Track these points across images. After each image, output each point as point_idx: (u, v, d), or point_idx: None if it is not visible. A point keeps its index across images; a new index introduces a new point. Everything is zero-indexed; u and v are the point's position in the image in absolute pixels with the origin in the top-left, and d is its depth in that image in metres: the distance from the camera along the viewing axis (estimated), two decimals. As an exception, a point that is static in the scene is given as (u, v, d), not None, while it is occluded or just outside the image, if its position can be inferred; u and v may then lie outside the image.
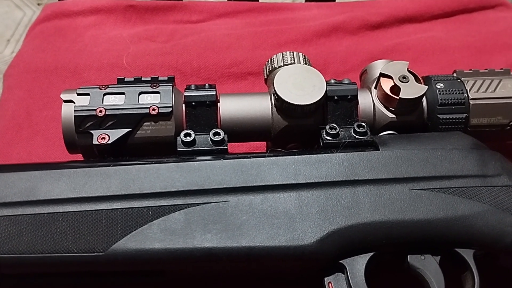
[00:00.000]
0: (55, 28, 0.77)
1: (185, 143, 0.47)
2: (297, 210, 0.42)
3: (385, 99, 0.50)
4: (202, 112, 0.48)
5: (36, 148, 0.62)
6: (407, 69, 0.50)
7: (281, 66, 0.52)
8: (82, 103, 0.47)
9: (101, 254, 0.40)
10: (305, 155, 0.45)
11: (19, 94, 0.68)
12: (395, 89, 0.49)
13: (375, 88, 0.51)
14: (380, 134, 0.50)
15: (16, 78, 0.70)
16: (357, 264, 0.42)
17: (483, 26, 0.79)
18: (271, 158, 0.45)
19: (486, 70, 0.53)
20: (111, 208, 0.42)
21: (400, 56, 0.71)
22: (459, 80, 0.52)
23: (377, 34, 0.78)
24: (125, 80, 0.50)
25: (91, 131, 0.47)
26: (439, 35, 0.77)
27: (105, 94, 0.48)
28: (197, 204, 0.42)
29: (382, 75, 0.50)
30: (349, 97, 0.49)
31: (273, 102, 0.49)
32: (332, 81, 0.51)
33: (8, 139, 0.63)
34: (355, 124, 0.48)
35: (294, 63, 0.52)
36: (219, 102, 0.50)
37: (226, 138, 0.47)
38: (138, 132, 0.47)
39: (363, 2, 0.84)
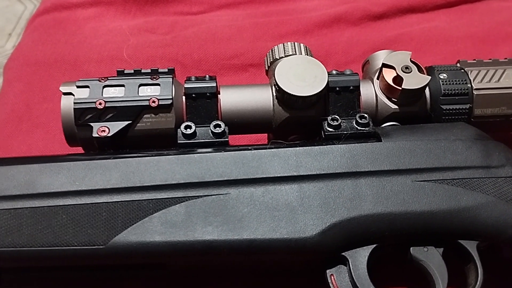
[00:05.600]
0: (54, 21, 0.76)
1: (185, 135, 0.46)
2: (299, 202, 0.42)
3: (388, 90, 0.50)
4: (203, 104, 0.48)
5: (36, 141, 0.62)
6: (410, 59, 0.49)
7: (282, 57, 0.51)
8: (82, 95, 0.47)
9: (101, 247, 0.40)
10: (307, 147, 0.44)
11: (19, 87, 0.68)
12: (398, 79, 0.49)
13: (378, 78, 0.51)
14: (383, 125, 0.50)
15: (15, 71, 0.70)
16: (360, 256, 0.42)
17: (487, 16, 0.78)
18: (272, 150, 0.44)
19: (490, 60, 0.53)
20: (111, 201, 0.42)
21: (403, 47, 0.70)
22: (462, 70, 0.51)
23: (380, 25, 0.77)
24: (125, 72, 0.49)
25: (91, 124, 0.46)
26: (442, 25, 0.76)
27: (104, 86, 0.47)
28: (198, 196, 0.42)
29: (384, 65, 0.50)
30: (351, 88, 0.49)
31: (274, 94, 0.49)
32: (334, 72, 0.50)
33: (8, 132, 0.63)
34: (357, 115, 0.48)
35: (296, 54, 0.51)
36: (219, 94, 0.49)
37: (226, 130, 0.47)
38: (138, 124, 0.47)
39: (365, -8, 0.83)
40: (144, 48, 0.71)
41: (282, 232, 0.41)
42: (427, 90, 0.50)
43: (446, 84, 0.50)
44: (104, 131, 0.46)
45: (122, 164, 0.43)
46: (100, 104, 0.46)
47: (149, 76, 0.48)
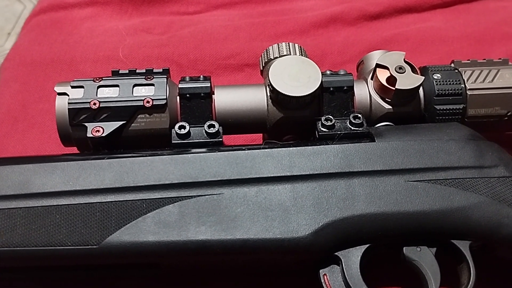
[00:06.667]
0: (51, 21, 0.76)
1: (179, 136, 0.46)
2: (292, 202, 0.42)
3: (382, 90, 0.50)
4: (197, 104, 0.48)
5: (32, 141, 0.62)
6: (404, 59, 0.50)
7: (276, 57, 0.51)
8: (76, 95, 0.47)
9: (95, 247, 0.40)
10: (300, 147, 0.45)
11: (15, 87, 0.68)
12: (392, 79, 0.49)
13: (372, 79, 0.51)
14: (376, 126, 0.50)
15: (12, 71, 0.70)
16: (353, 256, 0.42)
17: (483, 16, 0.78)
18: (266, 150, 0.44)
19: (484, 60, 0.53)
20: (105, 201, 0.42)
21: (398, 47, 0.71)
22: (456, 71, 0.51)
23: (376, 25, 0.77)
24: (120, 72, 0.49)
25: (85, 124, 0.46)
26: (438, 25, 0.76)
27: (99, 86, 0.47)
28: (191, 196, 0.42)
29: (378, 65, 0.50)
30: (345, 88, 0.49)
31: (269, 94, 0.49)
32: (328, 72, 0.50)
33: (3, 132, 0.63)
34: (351, 116, 0.48)
35: (290, 54, 0.51)
36: (214, 94, 0.49)
37: (221, 130, 0.47)
38: (133, 124, 0.47)
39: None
40: (140, 48, 0.71)
41: (275, 232, 0.41)
42: (421, 90, 0.50)
43: (440, 84, 0.50)
44: (98, 131, 0.46)
45: (116, 164, 0.43)
46: (94, 104, 0.46)
47: (144, 77, 0.48)
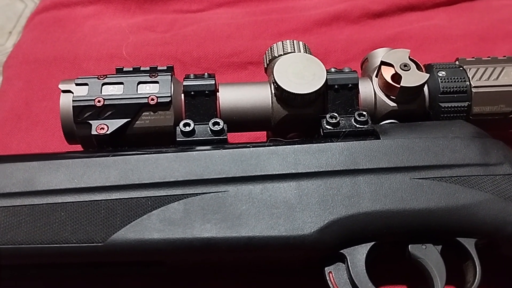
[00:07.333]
0: (54, 19, 0.76)
1: (184, 133, 0.46)
2: (297, 199, 0.42)
3: (386, 88, 0.50)
4: (201, 102, 0.48)
5: (36, 139, 0.62)
6: (409, 57, 0.49)
7: (281, 55, 0.51)
8: (81, 93, 0.47)
9: (100, 244, 0.40)
10: (305, 145, 0.44)
11: (18, 85, 0.68)
12: (396, 77, 0.49)
13: (376, 76, 0.51)
14: (381, 123, 0.50)
15: (15, 69, 0.70)
16: (358, 254, 0.42)
17: (486, 14, 0.78)
18: (271, 147, 0.44)
19: (489, 58, 0.53)
20: (110, 198, 0.42)
21: (402, 45, 0.70)
22: (461, 68, 0.51)
23: (379, 23, 0.77)
24: (124, 70, 0.49)
25: (90, 121, 0.46)
26: (442, 23, 0.76)
27: (103, 84, 0.47)
28: (196, 194, 0.42)
29: (383, 63, 0.50)
30: (350, 85, 0.49)
31: (273, 91, 0.49)
32: (333, 69, 0.50)
33: (7, 130, 0.63)
34: (356, 113, 0.48)
35: (294, 52, 0.51)
36: (218, 92, 0.49)
37: (225, 128, 0.47)
38: (137, 122, 0.47)
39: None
40: (144, 46, 0.71)
41: (281, 229, 0.41)
42: (425, 88, 0.50)
43: (445, 82, 0.50)
44: (103, 128, 0.46)
45: (120, 162, 0.43)
46: (99, 101, 0.46)
47: (148, 74, 0.48)
